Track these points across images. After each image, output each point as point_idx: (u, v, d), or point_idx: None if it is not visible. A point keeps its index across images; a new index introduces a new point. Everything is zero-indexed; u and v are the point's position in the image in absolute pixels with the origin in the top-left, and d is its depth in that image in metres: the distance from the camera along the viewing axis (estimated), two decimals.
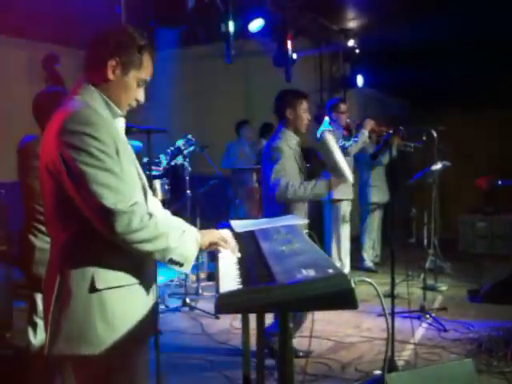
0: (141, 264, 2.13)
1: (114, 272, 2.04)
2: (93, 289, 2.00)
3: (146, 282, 2.18)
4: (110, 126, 2.05)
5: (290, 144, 4.34)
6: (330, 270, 1.80)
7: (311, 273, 1.79)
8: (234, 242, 2.34)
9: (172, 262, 2.07)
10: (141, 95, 2.20)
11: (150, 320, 2.21)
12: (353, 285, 1.73)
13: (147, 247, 2.01)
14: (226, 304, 1.71)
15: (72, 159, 1.93)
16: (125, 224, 1.93)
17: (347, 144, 6.23)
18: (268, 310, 1.82)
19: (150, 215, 2.02)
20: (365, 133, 6.17)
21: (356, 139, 6.25)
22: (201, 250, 2.23)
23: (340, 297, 1.73)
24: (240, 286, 1.83)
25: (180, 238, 2.09)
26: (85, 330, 2.00)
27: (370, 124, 6.20)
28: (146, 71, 2.17)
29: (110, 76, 2.10)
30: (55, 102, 3.29)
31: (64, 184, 1.98)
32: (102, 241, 1.99)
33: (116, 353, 2.04)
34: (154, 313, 2.26)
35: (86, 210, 1.96)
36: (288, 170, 4.23)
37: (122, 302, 2.06)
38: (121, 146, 2.06)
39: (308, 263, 1.91)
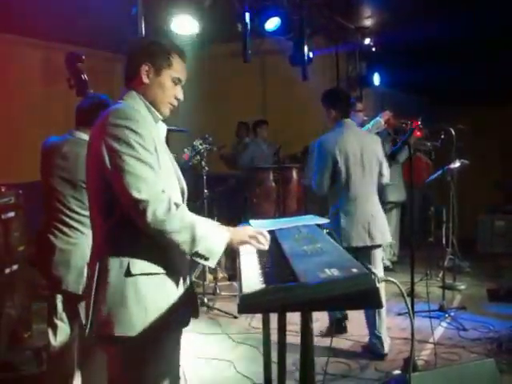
0: (175, 253, 2.20)
1: (148, 260, 2.15)
2: (128, 274, 2.12)
3: (181, 272, 2.27)
4: (150, 126, 2.20)
5: None
6: (354, 270, 1.79)
7: (335, 272, 1.78)
8: (266, 240, 2.29)
9: (197, 255, 2.10)
10: (179, 93, 2.35)
11: (183, 309, 2.27)
12: (377, 284, 1.71)
13: (175, 237, 2.07)
14: (248, 304, 1.71)
15: (113, 149, 2.08)
16: (152, 213, 2.02)
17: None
18: (291, 309, 1.81)
19: (178, 206, 2.09)
20: (380, 120, 6.15)
21: (369, 126, 6.25)
22: (232, 247, 2.23)
23: (364, 296, 1.72)
24: (263, 286, 1.82)
25: (207, 232, 2.12)
26: (119, 312, 2.12)
27: (386, 114, 6.17)
28: (178, 70, 2.32)
29: (145, 80, 2.27)
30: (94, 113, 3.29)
31: (106, 174, 2.11)
32: (139, 230, 2.10)
33: (148, 336, 2.13)
34: (187, 303, 2.31)
35: (122, 199, 2.08)
36: None
37: (154, 289, 2.16)
38: (159, 146, 2.19)
39: (331, 263, 1.90)
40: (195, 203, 6.24)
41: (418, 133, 5.69)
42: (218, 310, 5.88)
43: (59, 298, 3.45)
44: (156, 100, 2.29)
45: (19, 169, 8.59)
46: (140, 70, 2.25)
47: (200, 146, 5.78)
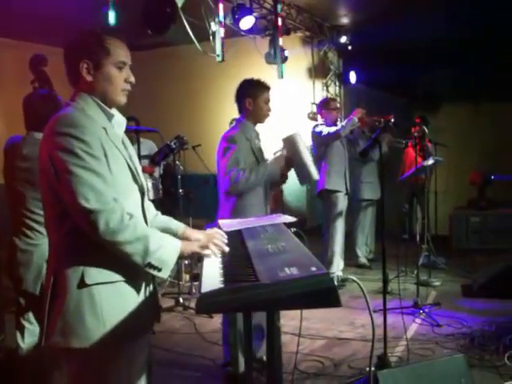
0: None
1: (104, 268, 2.09)
2: (83, 284, 2.05)
3: (139, 278, 2.20)
4: (99, 129, 2.10)
5: (247, 135, 4.15)
6: (313, 268, 1.79)
7: (294, 271, 1.78)
8: (221, 241, 2.30)
9: (150, 266, 2.07)
10: (129, 76, 2.22)
11: (144, 316, 2.22)
12: (335, 283, 1.72)
13: (127, 248, 2.02)
14: (206, 303, 1.70)
15: (58, 159, 2.01)
16: (104, 223, 1.97)
17: (333, 130, 6.31)
18: (249, 309, 1.81)
19: (131, 216, 2.04)
20: (354, 118, 6.20)
21: (344, 124, 6.31)
22: (183, 258, 2.22)
23: (323, 295, 1.72)
24: (221, 286, 1.82)
25: (159, 243, 2.08)
26: (76, 324, 2.05)
27: (359, 112, 6.22)
28: (117, 55, 2.18)
29: (88, 78, 2.15)
30: (44, 104, 3.33)
31: (53, 185, 2.05)
32: (92, 239, 2.04)
33: (107, 347, 2.08)
34: (148, 310, 2.26)
35: (70, 210, 2.03)
36: (242, 160, 4.04)
37: (111, 297, 2.10)
38: (110, 149, 2.11)
39: (292, 261, 1.90)
40: (170, 203, 6.23)
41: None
42: (194, 309, 5.85)
43: (23, 299, 3.43)
44: (107, 93, 2.18)
45: None
46: (79, 69, 2.14)
47: (173, 146, 5.75)
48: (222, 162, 4.03)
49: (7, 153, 3.47)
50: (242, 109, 4.22)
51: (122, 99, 2.23)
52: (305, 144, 4.25)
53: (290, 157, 4.14)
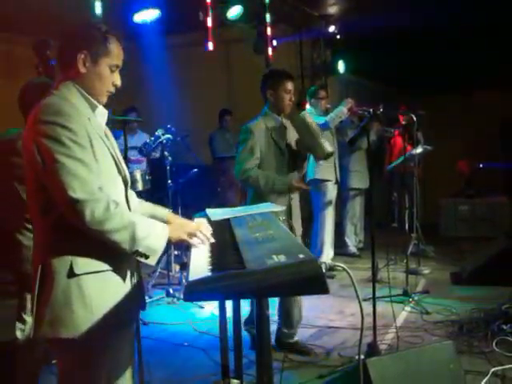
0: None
1: (91, 258, 2.09)
2: (71, 274, 2.05)
3: (126, 267, 2.21)
4: (84, 118, 2.11)
5: (268, 125, 4.26)
6: (301, 256, 1.78)
7: (282, 259, 1.77)
8: (208, 232, 2.31)
9: (138, 253, 2.07)
10: (117, 80, 2.26)
11: (131, 305, 2.24)
12: (323, 270, 1.72)
13: (114, 237, 2.02)
14: (193, 292, 1.69)
15: (44, 148, 2.01)
16: (90, 213, 1.97)
17: (322, 120, 6.29)
18: (237, 296, 1.81)
19: (117, 204, 2.04)
20: (343, 109, 6.17)
21: (332, 115, 6.28)
22: (170, 244, 2.21)
23: (310, 282, 1.71)
24: (208, 274, 1.82)
25: (147, 230, 2.08)
26: (64, 313, 2.05)
27: (348, 102, 6.20)
28: (115, 57, 2.22)
29: (82, 69, 2.17)
30: (42, 93, 3.27)
31: (39, 173, 2.04)
32: (79, 229, 2.03)
33: (95, 336, 2.08)
34: (135, 299, 2.28)
35: (56, 199, 2.02)
36: (258, 150, 4.19)
37: (100, 287, 2.11)
38: (95, 137, 2.11)
39: (280, 249, 1.89)
40: (159, 194, 6.21)
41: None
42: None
43: (29, 295, 3.40)
44: (93, 89, 2.20)
45: None
46: (76, 58, 2.14)
47: (162, 136, 5.73)
48: (238, 151, 4.26)
49: (0, 150, 3.39)
50: (265, 100, 4.36)
51: (104, 99, 2.27)
52: (312, 120, 4.32)
53: (302, 138, 4.25)
